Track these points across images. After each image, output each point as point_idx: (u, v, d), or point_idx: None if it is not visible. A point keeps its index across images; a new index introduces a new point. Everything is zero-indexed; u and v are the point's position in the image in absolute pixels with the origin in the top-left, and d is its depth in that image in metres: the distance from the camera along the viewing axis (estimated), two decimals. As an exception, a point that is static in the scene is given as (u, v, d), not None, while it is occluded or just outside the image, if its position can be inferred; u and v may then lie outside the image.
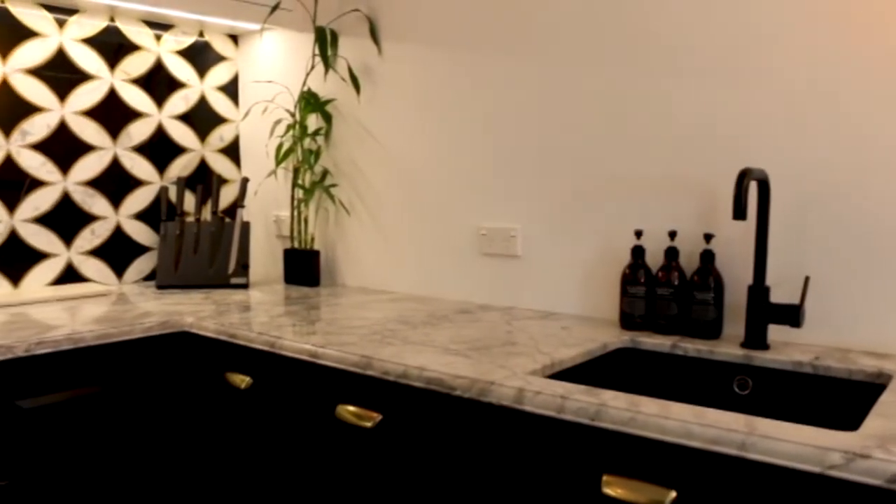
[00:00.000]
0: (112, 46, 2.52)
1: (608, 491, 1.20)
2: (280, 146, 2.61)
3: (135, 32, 2.58)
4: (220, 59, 2.84)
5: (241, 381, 1.83)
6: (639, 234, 1.79)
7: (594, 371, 1.63)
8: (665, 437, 1.13)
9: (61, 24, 2.39)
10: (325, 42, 2.47)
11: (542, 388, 1.29)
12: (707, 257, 1.69)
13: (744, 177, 1.44)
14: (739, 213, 1.43)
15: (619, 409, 1.18)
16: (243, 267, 2.54)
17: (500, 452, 1.36)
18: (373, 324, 1.89)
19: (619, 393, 1.26)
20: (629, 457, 1.19)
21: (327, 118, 2.59)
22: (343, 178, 2.59)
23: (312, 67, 2.54)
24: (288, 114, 2.70)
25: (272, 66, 2.77)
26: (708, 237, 1.69)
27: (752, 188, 1.68)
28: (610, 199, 1.93)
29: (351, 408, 1.59)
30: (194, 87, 2.77)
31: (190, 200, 2.77)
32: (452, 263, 2.28)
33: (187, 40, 2.73)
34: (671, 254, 1.74)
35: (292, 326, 1.85)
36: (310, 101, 2.54)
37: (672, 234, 1.74)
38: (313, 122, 2.65)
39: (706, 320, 1.68)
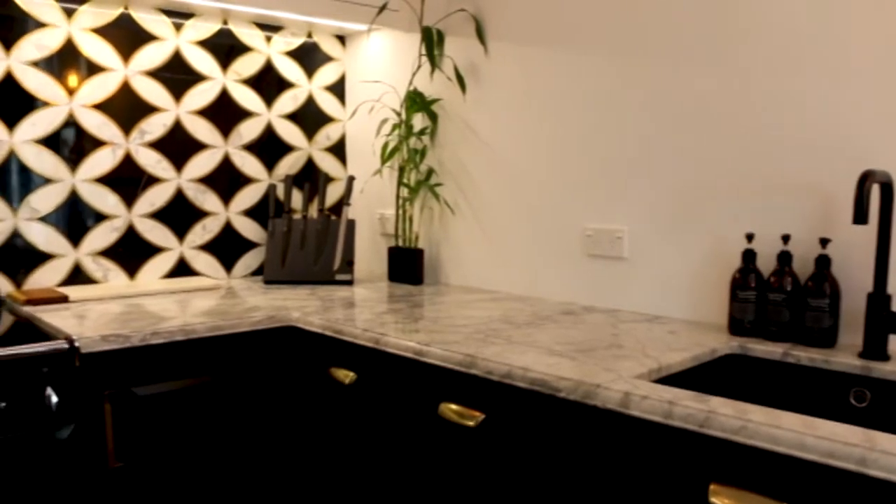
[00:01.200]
0: (224, 48, 2.60)
1: (715, 500, 1.17)
2: (386, 145, 2.65)
3: (246, 34, 2.65)
4: (327, 59, 2.89)
5: (346, 376, 1.86)
6: (750, 237, 1.74)
7: (702, 377, 1.59)
8: (777, 447, 1.10)
9: (178, 27, 2.48)
10: (432, 42, 2.48)
11: (649, 393, 1.27)
12: (822, 262, 1.63)
13: (866, 179, 1.38)
14: (861, 217, 1.37)
15: (729, 416, 1.15)
16: (348, 264, 2.59)
17: (605, 456, 1.34)
18: (476, 323, 1.89)
19: (729, 400, 1.22)
20: (738, 466, 1.16)
21: (433, 117, 2.61)
22: (448, 178, 2.60)
23: (419, 67, 2.56)
24: (394, 113, 2.73)
25: (379, 65, 2.81)
26: (824, 241, 1.63)
27: (874, 191, 1.61)
28: (720, 201, 1.88)
29: (454, 406, 1.60)
30: (302, 87, 2.83)
31: (297, 198, 2.84)
32: (557, 264, 2.26)
33: (296, 41, 2.79)
34: (784, 258, 1.68)
35: (396, 324, 1.87)
36: (416, 101, 2.56)
37: (785, 238, 1.68)
38: (419, 121, 2.67)
39: (820, 328, 1.62)
